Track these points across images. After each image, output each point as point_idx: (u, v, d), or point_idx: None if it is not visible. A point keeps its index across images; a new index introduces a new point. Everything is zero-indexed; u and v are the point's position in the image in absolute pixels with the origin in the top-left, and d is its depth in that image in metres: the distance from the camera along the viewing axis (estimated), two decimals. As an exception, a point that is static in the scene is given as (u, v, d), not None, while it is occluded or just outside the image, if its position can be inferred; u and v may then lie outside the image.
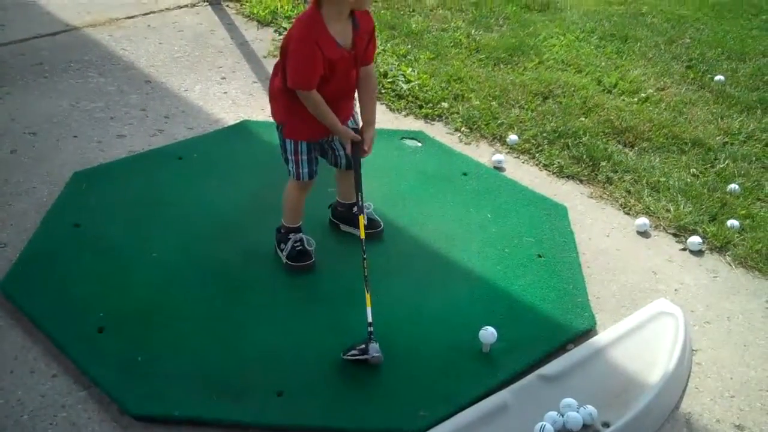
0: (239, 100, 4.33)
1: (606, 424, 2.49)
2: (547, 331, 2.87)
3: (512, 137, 4.08)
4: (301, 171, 2.97)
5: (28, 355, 2.66)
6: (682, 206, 3.61)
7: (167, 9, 5.34)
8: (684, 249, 3.42)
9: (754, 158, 4.04)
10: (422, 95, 4.44)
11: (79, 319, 2.77)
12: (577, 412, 2.48)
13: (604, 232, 3.49)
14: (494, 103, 4.40)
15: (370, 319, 2.68)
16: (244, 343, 2.76)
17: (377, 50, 4.54)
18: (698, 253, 3.40)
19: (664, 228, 3.53)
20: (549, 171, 3.90)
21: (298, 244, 3.08)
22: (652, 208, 3.62)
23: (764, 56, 5.23)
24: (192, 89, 4.39)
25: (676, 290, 3.18)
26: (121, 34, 4.94)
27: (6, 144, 3.78)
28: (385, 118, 4.23)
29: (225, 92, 4.39)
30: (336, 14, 2.71)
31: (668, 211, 3.60)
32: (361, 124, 2.99)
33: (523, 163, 3.97)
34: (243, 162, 3.73)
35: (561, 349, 2.80)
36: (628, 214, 3.62)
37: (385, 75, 4.59)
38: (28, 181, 3.52)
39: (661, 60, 5.07)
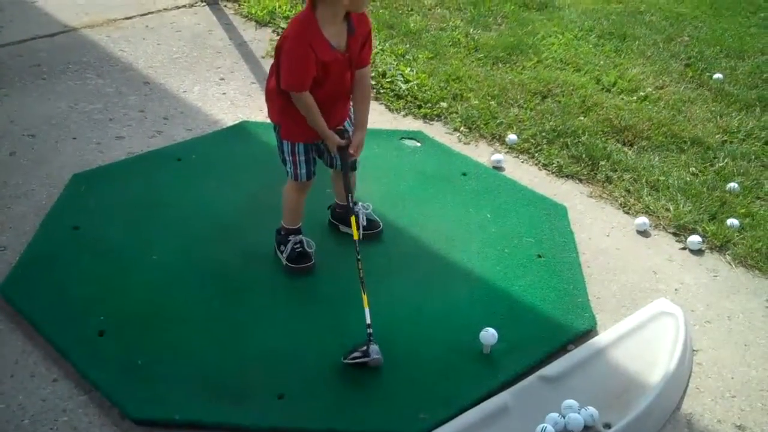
0: (238, 100, 4.32)
1: (607, 425, 2.49)
2: (548, 332, 2.87)
3: (511, 137, 4.07)
4: (299, 171, 2.97)
5: (28, 359, 2.65)
6: (681, 205, 3.61)
7: (165, 9, 5.33)
8: (684, 248, 3.42)
9: (753, 156, 4.04)
10: (421, 95, 4.44)
11: (80, 323, 2.77)
12: (578, 413, 2.48)
13: (603, 232, 3.49)
14: (493, 102, 4.40)
15: (368, 321, 2.68)
16: (244, 345, 2.76)
17: (375, 50, 4.55)
18: (698, 252, 3.40)
19: (663, 227, 3.53)
20: (548, 170, 3.90)
21: (298, 245, 3.08)
22: (651, 208, 3.62)
23: (763, 54, 5.23)
24: (191, 90, 4.39)
25: (676, 290, 3.18)
26: (119, 35, 4.93)
27: (5, 146, 3.77)
28: (383, 118, 4.23)
29: (224, 93, 4.39)
30: (331, 16, 2.70)
31: (668, 210, 3.60)
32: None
33: (522, 162, 3.97)
34: (242, 163, 3.73)
35: (561, 350, 2.80)
36: (627, 213, 3.62)
37: (384, 75, 4.59)
38: (27, 184, 3.52)
39: (660, 58, 5.07)
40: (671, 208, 3.60)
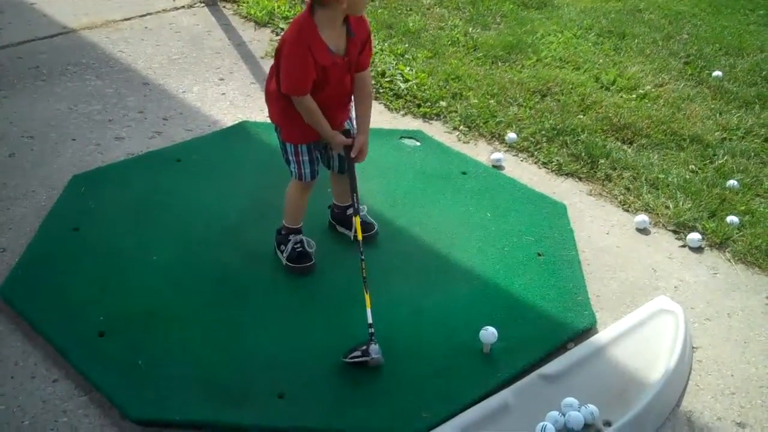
0: (237, 101, 4.32)
1: (608, 423, 2.49)
2: (548, 330, 2.87)
3: (511, 135, 4.07)
4: (303, 171, 2.97)
5: (28, 360, 2.65)
6: (681, 203, 3.61)
7: (164, 10, 5.34)
8: (684, 246, 3.43)
9: (752, 154, 4.04)
10: (420, 94, 4.44)
11: (80, 324, 2.77)
12: (579, 411, 2.48)
13: (603, 230, 3.49)
14: (492, 101, 4.40)
15: (370, 320, 2.68)
16: (244, 345, 2.76)
17: (374, 50, 4.54)
18: (698, 249, 3.40)
19: (663, 225, 3.53)
20: (548, 169, 3.90)
21: (299, 245, 3.08)
22: (651, 205, 3.62)
23: (762, 51, 5.23)
24: (190, 91, 4.39)
25: (676, 287, 3.18)
26: (118, 36, 4.93)
27: (4, 148, 3.77)
28: (383, 118, 4.24)
29: (223, 93, 4.39)
30: (329, 20, 2.70)
31: (667, 207, 3.60)
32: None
33: (521, 161, 3.97)
34: (242, 163, 3.73)
35: (562, 348, 2.80)
36: (627, 211, 3.62)
37: (383, 74, 4.59)
38: (27, 185, 3.52)
39: (659, 56, 5.07)
40: (671, 206, 3.60)
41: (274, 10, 5.34)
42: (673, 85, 4.71)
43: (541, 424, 2.44)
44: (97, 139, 3.89)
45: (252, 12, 5.32)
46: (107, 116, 4.09)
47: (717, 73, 4.85)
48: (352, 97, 2.95)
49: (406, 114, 4.33)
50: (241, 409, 2.50)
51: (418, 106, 4.37)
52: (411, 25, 5.25)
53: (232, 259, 3.13)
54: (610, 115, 4.29)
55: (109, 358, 2.65)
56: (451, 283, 3.09)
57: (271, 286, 3.04)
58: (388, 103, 4.39)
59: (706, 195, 3.67)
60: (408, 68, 4.67)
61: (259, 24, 5.25)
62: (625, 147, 4.06)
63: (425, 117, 4.30)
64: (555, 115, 4.27)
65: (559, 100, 4.44)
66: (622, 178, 3.80)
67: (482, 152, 4.00)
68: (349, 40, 2.77)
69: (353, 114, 2.99)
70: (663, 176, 3.80)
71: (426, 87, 4.50)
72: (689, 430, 2.56)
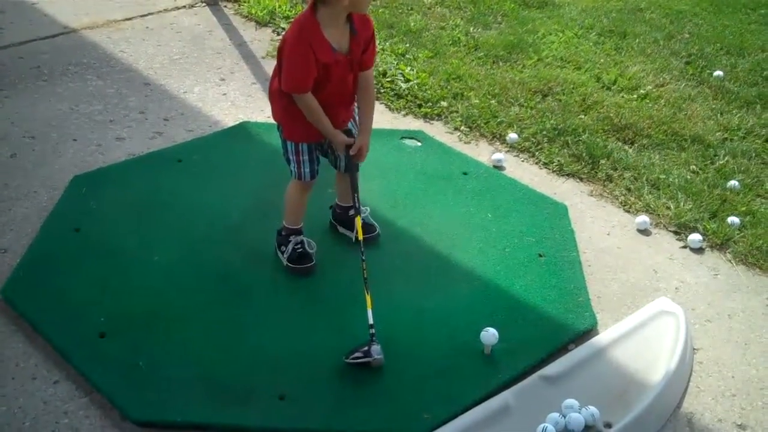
0: (238, 101, 4.32)
1: (608, 425, 2.49)
2: (549, 331, 2.87)
3: (512, 135, 4.07)
4: (302, 171, 2.98)
5: (29, 362, 2.66)
6: (682, 203, 3.61)
7: (165, 10, 5.34)
8: (684, 246, 3.42)
9: (753, 154, 4.04)
10: (421, 94, 4.44)
11: (81, 325, 2.77)
12: (579, 412, 2.48)
13: (604, 231, 3.49)
14: (493, 101, 4.40)
15: (371, 321, 2.68)
16: (245, 346, 2.76)
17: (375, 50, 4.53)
18: (699, 250, 3.40)
19: (664, 225, 3.53)
20: (549, 169, 3.90)
21: (299, 246, 3.08)
22: (652, 206, 3.62)
23: (763, 51, 5.23)
24: (191, 91, 4.39)
25: (676, 288, 3.18)
26: (119, 36, 4.93)
27: (5, 148, 3.77)
28: (384, 118, 4.23)
29: (224, 94, 4.39)
30: (331, 18, 2.70)
31: (668, 208, 3.59)
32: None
33: (522, 161, 3.97)
34: (243, 164, 3.73)
35: (562, 349, 2.80)
36: (628, 212, 3.62)
37: (384, 74, 4.59)
38: (28, 186, 3.52)
39: (660, 56, 5.06)
40: (672, 207, 3.60)
41: (275, 9, 5.34)
42: (674, 85, 4.71)
43: (542, 425, 2.44)
44: (98, 140, 3.89)
45: (253, 12, 5.32)
46: (108, 116, 4.09)
47: (718, 72, 4.85)
48: (355, 97, 2.95)
49: (407, 114, 4.33)
50: (242, 411, 2.50)
51: (419, 106, 4.37)
52: (412, 24, 5.25)
53: (233, 260, 3.14)
54: (611, 115, 4.29)
55: (110, 359, 2.65)
56: (452, 284, 3.09)
57: (272, 287, 3.04)
58: (389, 103, 4.39)
59: (707, 196, 3.67)
60: (409, 68, 4.67)
61: (260, 24, 5.25)
62: (626, 147, 4.06)
63: (426, 117, 4.30)
64: (556, 115, 4.27)
65: (560, 100, 4.43)
66: (623, 178, 3.80)
67: (483, 152, 4.00)
68: (352, 38, 2.77)
69: (357, 114, 3.00)
70: (664, 177, 3.79)
71: (427, 87, 4.50)
72: (690, 432, 2.57)
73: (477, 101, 4.38)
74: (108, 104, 4.20)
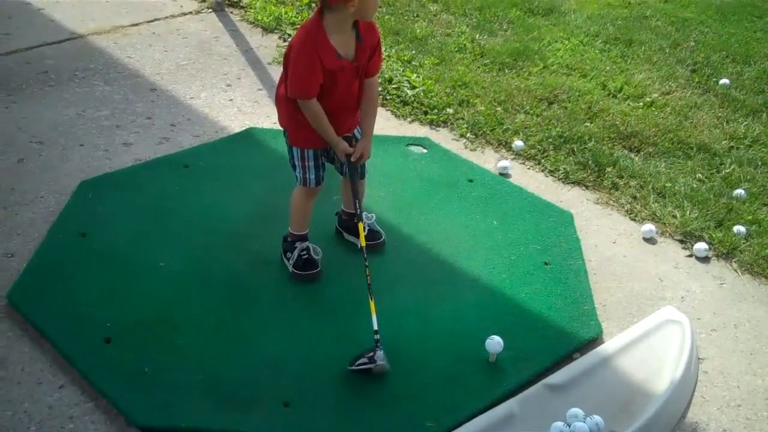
0: (245, 107, 4.33)
1: (613, 434, 2.49)
2: (554, 340, 2.87)
3: (518, 143, 4.08)
4: (307, 177, 2.98)
5: (35, 366, 2.66)
6: (688, 212, 3.60)
7: (172, 16, 5.35)
8: (690, 255, 3.42)
9: (760, 163, 4.04)
10: (427, 101, 4.44)
11: (86, 330, 2.77)
12: (584, 422, 2.47)
13: (610, 239, 3.49)
14: (499, 108, 4.40)
15: (375, 327, 2.68)
16: (250, 353, 2.76)
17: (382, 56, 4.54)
18: (704, 259, 3.39)
19: (670, 234, 3.53)
20: (555, 177, 3.90)
21: (305, 253, 3.08)
22: (658, 214, 3.62)
23: (769, 59, 5.23)
24: (197, 97, 4.40)
25: (682, 298, 3.17)
26: (125, 42, 4.95)
27: (13, 153, 3.79)
28: (390, 125, 4.24)
29: (230, 99, 4.40)
30: (338, 24, 2.71)
31: (674, 217, 3.59)
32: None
33: (528, 169, 3.97)
34: (249, 169, 3.74)
35: (567, 358, 2.81)
36: (634, 220, 3.62)
37: (390, 81, 4.60)
38: (35, 191, 3.53)
39: (666, 64, 5.06)
40: (678, 215, 3.59)
41: (282, 16, 5.35)
42: (680, 92, 4.71)
43: (547, 434, 2.44)
44: (105, 145, 3.90)
45: (259, 18, 5.34)
46: (115, 122, 4.10)
47: (724, 80, 4.85)
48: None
49: (413, 121, 4.33)
50: (247, 417, 2.51)
51: (425, 113, 4.37)
52: (418, 31, 5.26)
53: (238, 265, 3.14)
54: (617, 123, 4.29)
55: (116, 364, 2.65)
56: (457, 291, 3.09)
57: (278, 293, 3.04)
58: (395, 110, 4.40)
59: (713, 204, 3.66)
60: (415, 75, 4.68)
61: (267, 30, 5.25)
62: (632, 155, 4.06)
63: (432, 124, 4.30)
64: (562, 122, 4.27)
65: (566, 108, 4.44)
66: (629, 186, 3.80)
67: (489, 160, 4.00)
68: (358, 45, 2.78)
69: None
70: (670, 185, 3.79)
71: (433, 94, 4.50)
72: (695, 442, 2.56)
73: (483, 108, 4.38)
74: (115, 110, 4.21)
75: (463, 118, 4.31)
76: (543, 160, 4.00)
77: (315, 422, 2.51)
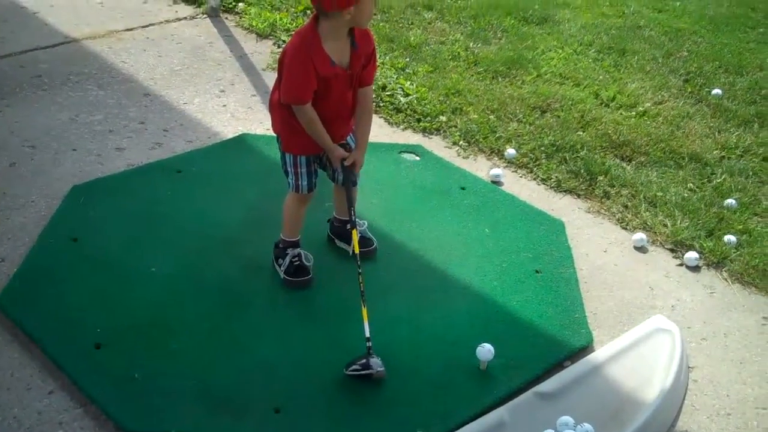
0: (238, 113, 4.34)
1: (603, 442, 2.50)
2: (545, 348, 2.88)
3: (510, 151, 4.09)
4: (300, 183, 2.98)
5: (24, 372, 2.65)
6: (679, 221, 3.62)
7: (166, 21, 5.35)
8: (681, 264, 3.43)
9: (751, 173, 4.06)
10: (420, 108, 4.45)
11: (77, 335, 2.76)
12: (574, 430, 2.48)
13: (601, 248, 3.50)
14: (492, 116, 4.41)
15: (367, 334, 2.68)
16: (241, 359, 2.76)
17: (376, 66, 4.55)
18: (695, 268, 3.41)
19: (661, 243, 3.54)
20: (547, 185, 3.92)
21: (296, 259, 3.08)
22: (649, 223, 3.63)
23: (761, 70, 5.26)
24: (191, 102, 4.40)
25: (672, 306, 3.18)
26: (120, 47, 4.95)
27: (5, 157, 3.78)
28: (383, 132, 4.25)
29: (224, 105, 4.40)
30: (333, 31, 2.71)
31: (665, 226, 3.61)
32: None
33: (520, 177, 3.98)
34: (242, 175, 3.74)
35: (558, 366, 2.81)
36: (625, 228, 3.63)
37: (384, 88, 4.61)
38: (27, 195, 3.52)
39: (659, 73, 5.09)
40: (669, 224, 3.61)
41: (276, 22, 5.36)
42: (673, 102, 4.73)
43: (537, 442, 2.45)
44: (97, 150, 3.90)
45: (254, 24, 5.34)
46: (108, 126, 4.10)
47: (716, 91, 4.87)
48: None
49: (406, 128, 4.34)
50: (238, 423, 2.50)
51: (418, 120, 4.38)
52: (412, 39, 5.27)
53: (230, 271, 3.14)
54: (610, 132, 4.30)
55: (106, 369, 2.64)
56: (449, 298, 3.10)
57: (270, 299, 3.04)
58: (388, 117, 4.41)
59: (704, 214, 3.68)
60: (409, 82, 4.69)
61: (261, 36, 5.26)
62: (624, 164, 4.07)
63: (425, 131, 4.31)
64: (554, 131, 4.29)
65: (558, 117, 4.45)
66: (621, 195, 3.81)
67: (481, 168, 4.01)
68: (352, 52, 2.78)
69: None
70: (661, 194, 3.81)
71: (426, 101, 4.51)
72: (684, 451, 2.57)
73: (476, 116, 4.39)
74: (108, 114, 4.21)
75: (456, 126, 4.32)
76: (535, 169, 4.01)
77: (306, 428, 2.51)
